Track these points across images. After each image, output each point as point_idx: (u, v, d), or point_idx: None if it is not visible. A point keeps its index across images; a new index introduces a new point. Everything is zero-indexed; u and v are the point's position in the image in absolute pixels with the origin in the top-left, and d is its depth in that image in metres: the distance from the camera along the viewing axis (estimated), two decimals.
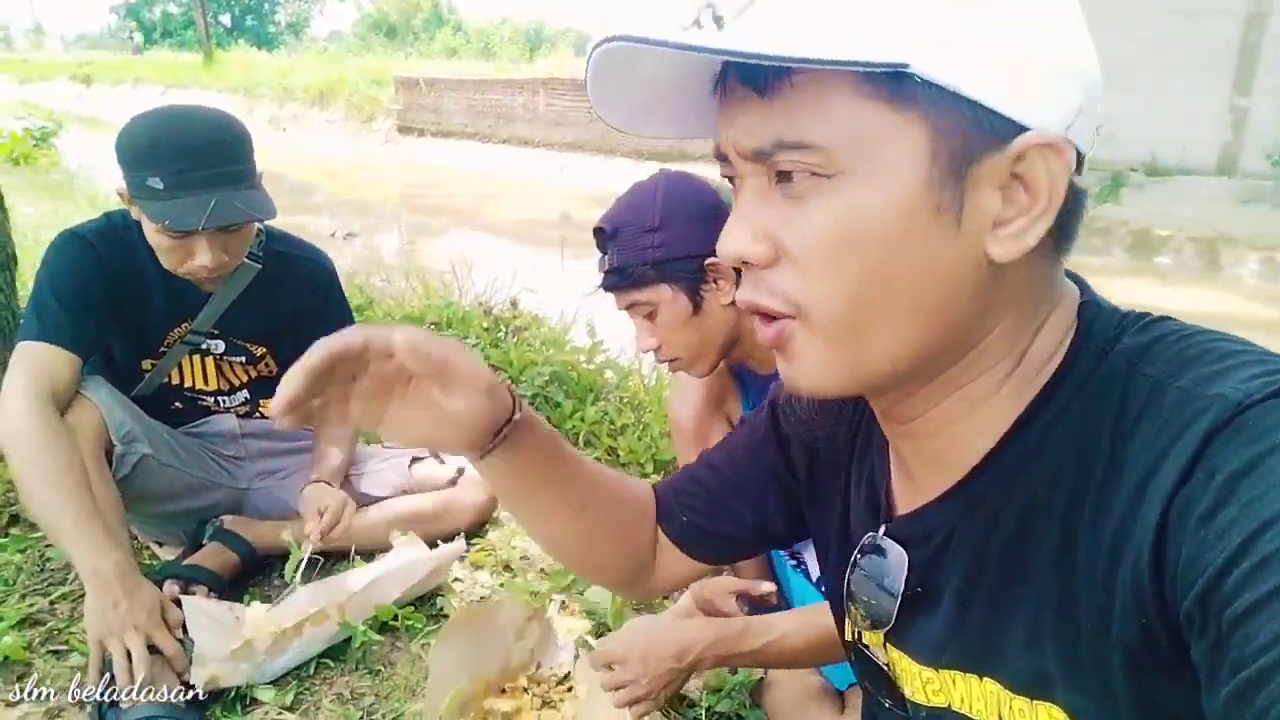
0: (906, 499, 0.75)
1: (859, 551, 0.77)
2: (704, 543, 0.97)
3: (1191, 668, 0.51)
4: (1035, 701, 0.64)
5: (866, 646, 0.80)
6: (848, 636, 0.84)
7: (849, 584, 0.78)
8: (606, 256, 1.50)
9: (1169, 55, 8.26)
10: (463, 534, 2.07)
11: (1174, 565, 0.51)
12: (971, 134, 0.56)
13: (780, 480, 0.92)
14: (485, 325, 3.24)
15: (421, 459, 2.18)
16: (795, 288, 0.60)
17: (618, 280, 1.50)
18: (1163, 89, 8.19)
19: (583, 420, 2.59)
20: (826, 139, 0.57)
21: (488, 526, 2.17)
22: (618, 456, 2.46)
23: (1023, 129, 0.57)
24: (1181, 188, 8.41)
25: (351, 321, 2.15)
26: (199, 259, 1.71)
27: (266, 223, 1.93)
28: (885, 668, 0.78)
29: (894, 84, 0.55)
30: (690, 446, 1.66)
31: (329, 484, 1.94)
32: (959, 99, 0.56)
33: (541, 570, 2.01)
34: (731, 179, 0.65)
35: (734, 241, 0.62)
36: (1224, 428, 0.52)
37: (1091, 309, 0.65)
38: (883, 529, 0.75)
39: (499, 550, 2.05)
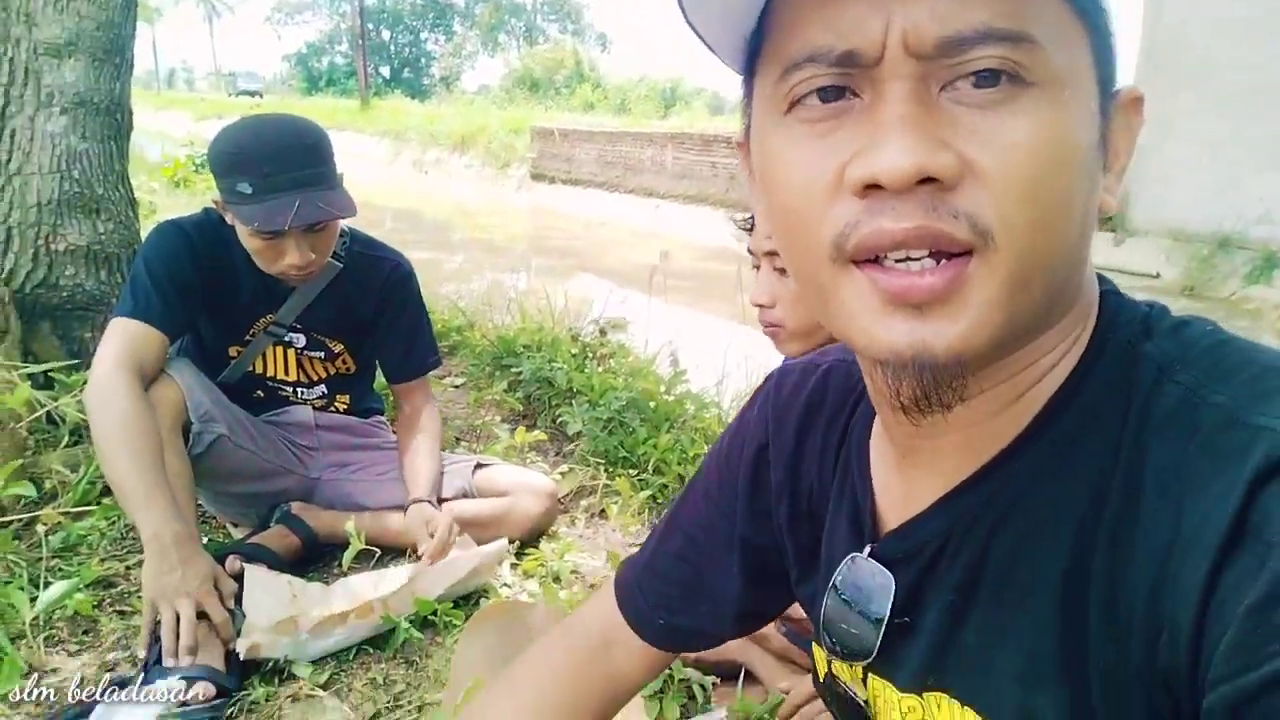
0: (897, 513, 0.68)
1: (838, 575, 0.70)
2: (686, 640, 0.92)
3: None
4: None
5: (842, 683, 0.74)
6: (820, 675, 0.78)
7: (824, 613, 0.71)
8: None
9: None
10: (517, 541, 2.08)
11: (1210, 651, 0.45)
12: (1110, 72, 0.53)
13: (750, 548, 0.83)
14: (573, 351, 3.29)
15: (486, 465, 2.21)
16: (987, 211, 0.48)
17: None
18: None
19: (655, 447, 2.57)
20: (1044, 35, 0.48)
21: (544, 538, 2.17)
22: (685, 484, 2.43)
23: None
24: None
25: (428, 324, 2.23)
26: (289, 258, 1.81)
27: (350, 225, 2.03)
28: (864, 705, 0.72)
29: None
30: None
31: (429, 502, 2.00)
32: (1106, 33, 0.53)
33: (591, 586, 1.99)
34: (828, 90, 0.51)
35: (911, 151, 0.47)
36: (1275, 474, 0.45)
37: (1113, 300, 0.59)
38: (868, 549, 0.68)
39: (550, 562, 2.05)
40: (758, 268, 1.49)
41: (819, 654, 0.77)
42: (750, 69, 0.58)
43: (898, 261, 0.50)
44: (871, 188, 0.49)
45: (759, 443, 0.82)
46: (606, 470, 2.56)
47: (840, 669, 0.74)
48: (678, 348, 3.23)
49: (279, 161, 1.75)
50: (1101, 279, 0.61)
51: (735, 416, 0.89)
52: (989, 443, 0.59)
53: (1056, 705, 0.54)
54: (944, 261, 0.49)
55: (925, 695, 0.64)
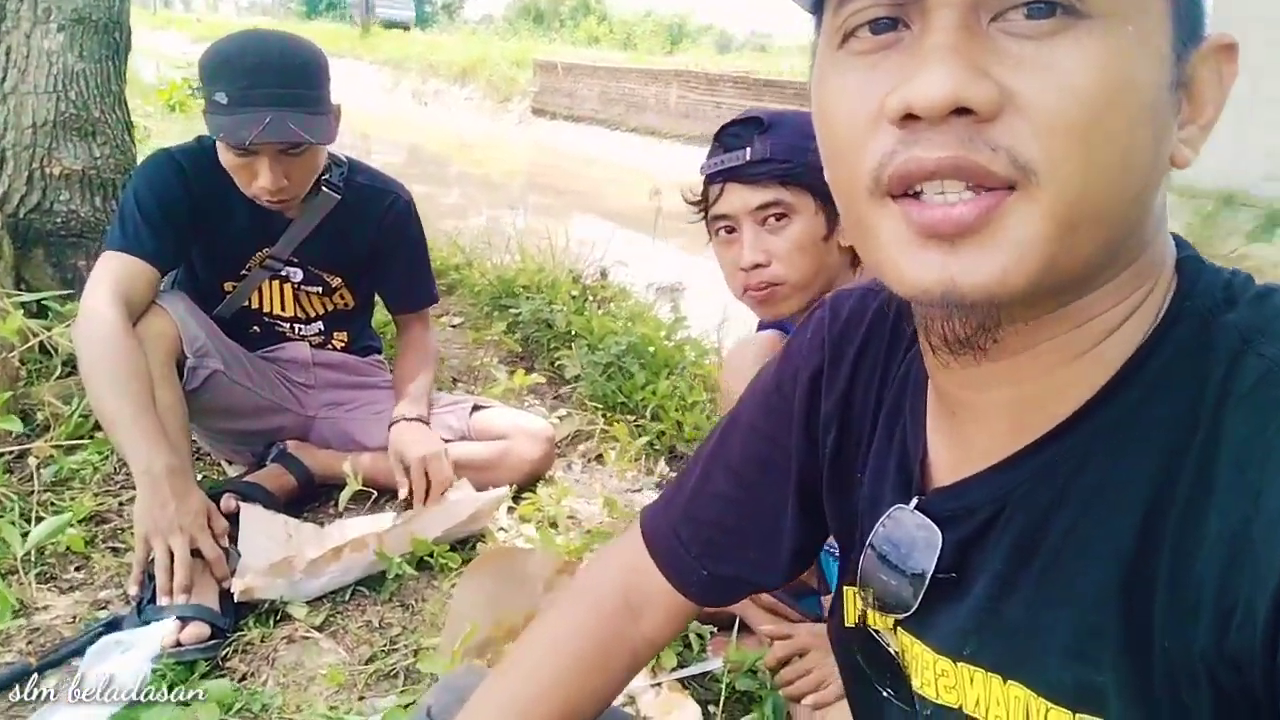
0: (948, 469, 0.65)
1: (880, 525, 0.67)
2: (726, 591, 0.86)
3: None
4: (1078, 714, 0.55)
5: (875, 631, 0.72)
6: (849, 621, 0.75)
7: (861, 565, 0.69)
8: (749, 149, 1.35)
9: None
10: (514, 486, 2.07)
11: None
12: (1193, 17, 0.51)
13: (805, 482, 0.79)
14: (573, 293, 3.24)
15: (484, 408, 2.19)
16: (1030, 147, 0.46)
17: (769, 169, 1.33)
18: None
19: (653, 393, 2.55)
20: None
21: (541, 482, 2.16)
22: (682, 431, 2.42)
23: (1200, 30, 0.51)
24: None
25: (426, 258, 2.18)
26: (260, 180, 1.76)
27: (349, 156, 1.97)
28: (895, 655, 0.70)
29: None
30: None
31: (419, 421, 1.97)
32: None
33: (587, 531, 1.98)
34: (879, 20, 0.50)
35: (946, 79, 0.46)
36: None
37: (1193, 265, 0.57)
38: (915, 502, 0.66)
39: (547, 507, 2.03)
40: (724, 230, 1.42)
41: (850, 598, 0.74)
42: (818, 6, 0.56)
43: (935, 195, 0.49)
44: (909, 118, 0.48)
45: (814, 368, 0.78)
46: (604, 415, 2.54)
47: (874, 617, 0.71)
48: (678, 292, 3.19)
49: (257, 75, 1.69)
50: (1180, 243, 0.58)
51: (782, 348, 0.83)
52: (1044, 406, 0.57)
53: (1118, 683, 0.52)
54: (981, 194, 0.47)
55: (959, 664, 0.63)
